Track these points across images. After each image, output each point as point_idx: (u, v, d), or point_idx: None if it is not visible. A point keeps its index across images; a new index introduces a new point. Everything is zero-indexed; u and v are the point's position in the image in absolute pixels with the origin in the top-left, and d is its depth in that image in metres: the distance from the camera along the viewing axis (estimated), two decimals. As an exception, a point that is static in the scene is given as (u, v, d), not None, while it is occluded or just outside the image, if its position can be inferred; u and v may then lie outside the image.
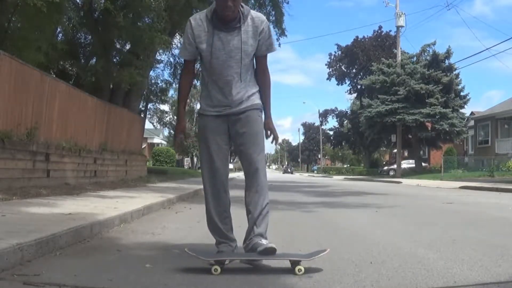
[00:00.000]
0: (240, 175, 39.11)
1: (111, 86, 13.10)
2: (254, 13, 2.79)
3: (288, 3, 16.70)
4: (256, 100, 2.86)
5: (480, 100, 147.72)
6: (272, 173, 61.74)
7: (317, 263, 2.64)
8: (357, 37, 39.63)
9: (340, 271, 2.61)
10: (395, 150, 32.39)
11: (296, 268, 2.50)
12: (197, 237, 3.81)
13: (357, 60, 39.12)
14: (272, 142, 3.01)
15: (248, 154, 2.78)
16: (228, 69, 2.73)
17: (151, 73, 17.18)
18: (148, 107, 22.12)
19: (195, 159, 44.50)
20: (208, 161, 2.84)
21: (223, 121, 2.82)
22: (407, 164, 32.58)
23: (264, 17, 2.84)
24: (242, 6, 2.71)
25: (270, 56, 2.94)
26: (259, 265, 2.74)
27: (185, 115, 3.20)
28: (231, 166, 44.60)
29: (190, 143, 39.33)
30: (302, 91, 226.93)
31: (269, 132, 2.91)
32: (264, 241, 2.68)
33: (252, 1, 16.42)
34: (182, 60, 3.09)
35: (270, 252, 2.58)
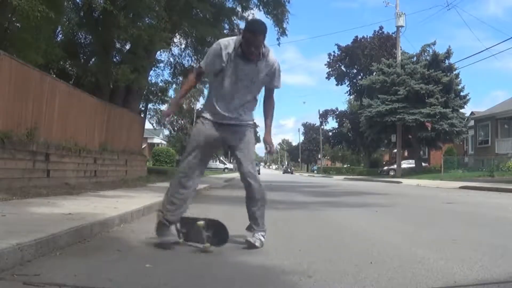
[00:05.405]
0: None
1: (111, 86, 13.07)
2: (271, 54, 3.31)
3: (289, 2, 16.62)
4: (251, 121, 3.46)
5: (484, 101, 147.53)
6: (272, 173, 61.71)
7: (318, 263, 2.64)
8: (356, 37, 39.67)
9: (340, 271, 2.61)
10: (395, 150, 32.38)
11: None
12: (197, 237, 3.80)
13: (357, 60, 39.12)
14: (267, 153, 3.40)
15: (242, 163, 3.34)
16: (236, 89, 3.28)
17: (151, 73, 17.13)
18: (148, 107, 22.06)
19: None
20: (192, 156, 3.33)
21: (220, 128, 3.32)
22: (407, 164, 32.55)
23: (276, 60, 3.37)
24: (264, 46, 3.22)
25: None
26: (258, 257, 2.74)
27: (178, 105, 3.63)
28: (230, 166, 44.61)
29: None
30: (305, 92, 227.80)
31: (267, 146, 3.55)
32: (259, 234, 3.30)
33: (255, 1, 16.38)
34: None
35: (251, 247, 3.23)
